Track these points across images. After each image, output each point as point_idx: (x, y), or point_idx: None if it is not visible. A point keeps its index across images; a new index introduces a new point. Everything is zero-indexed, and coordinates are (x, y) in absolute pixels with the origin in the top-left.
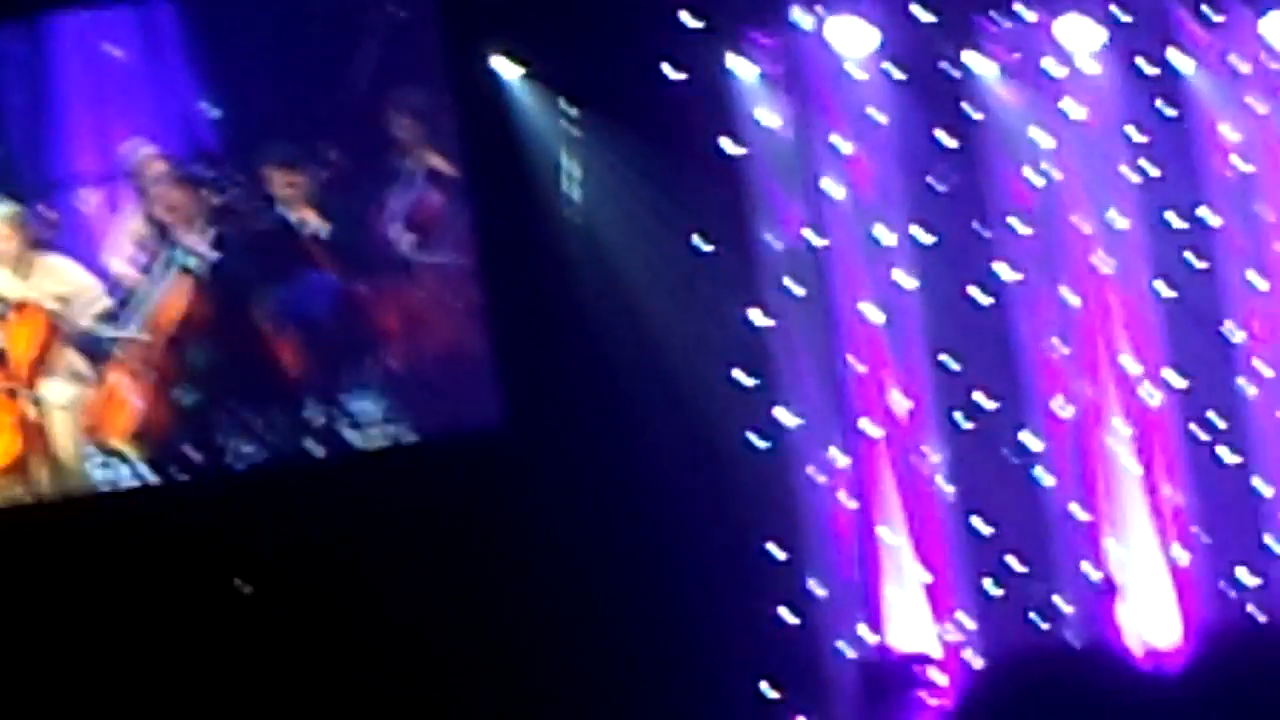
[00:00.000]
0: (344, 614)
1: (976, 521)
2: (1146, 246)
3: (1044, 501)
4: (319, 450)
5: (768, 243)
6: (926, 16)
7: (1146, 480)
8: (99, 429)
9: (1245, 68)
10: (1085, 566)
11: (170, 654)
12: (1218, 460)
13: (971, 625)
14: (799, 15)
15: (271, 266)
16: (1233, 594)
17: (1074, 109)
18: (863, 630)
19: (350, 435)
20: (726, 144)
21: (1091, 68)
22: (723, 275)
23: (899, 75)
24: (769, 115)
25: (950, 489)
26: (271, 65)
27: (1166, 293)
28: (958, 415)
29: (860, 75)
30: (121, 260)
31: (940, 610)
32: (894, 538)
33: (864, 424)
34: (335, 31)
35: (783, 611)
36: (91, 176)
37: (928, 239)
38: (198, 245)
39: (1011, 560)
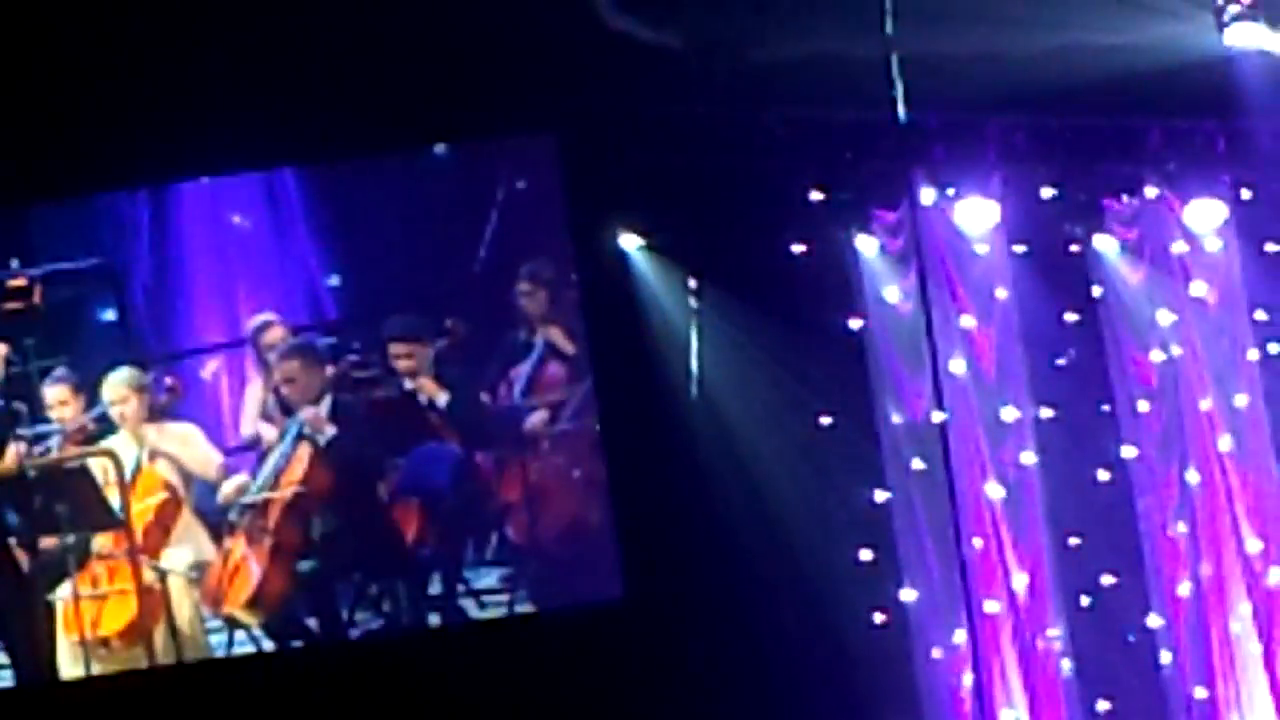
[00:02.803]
0: None
1: (1097, 701)
2: (1268, 425)
3: (1165, 681)
4: (436, 619)
5: (889, 417)
6: (1050, 193)
7: (1267, 660)
8: (217, 595)
9: None
10: None
11: None
12: None
13: None
14: (923, 192)
15: (392, 437)
16: None
17: (1197, 287)
18: None
19: (469, 606)
20: (848, 318)
21: (1214, 246)
22: (844, 450)
23: (1021, 251)
24: (892, 291)
25: (1070, 665)
26: (394, 235)
27: None
28: (1078, 592)
29: (983, 250)
30: (242, 428)
31: None
32: (1014, 716)
33: (985, 602)
34: (459, 203)
35: None
36: (214, 344)
37: (1049, 414)
38: (316, 414)
39: None
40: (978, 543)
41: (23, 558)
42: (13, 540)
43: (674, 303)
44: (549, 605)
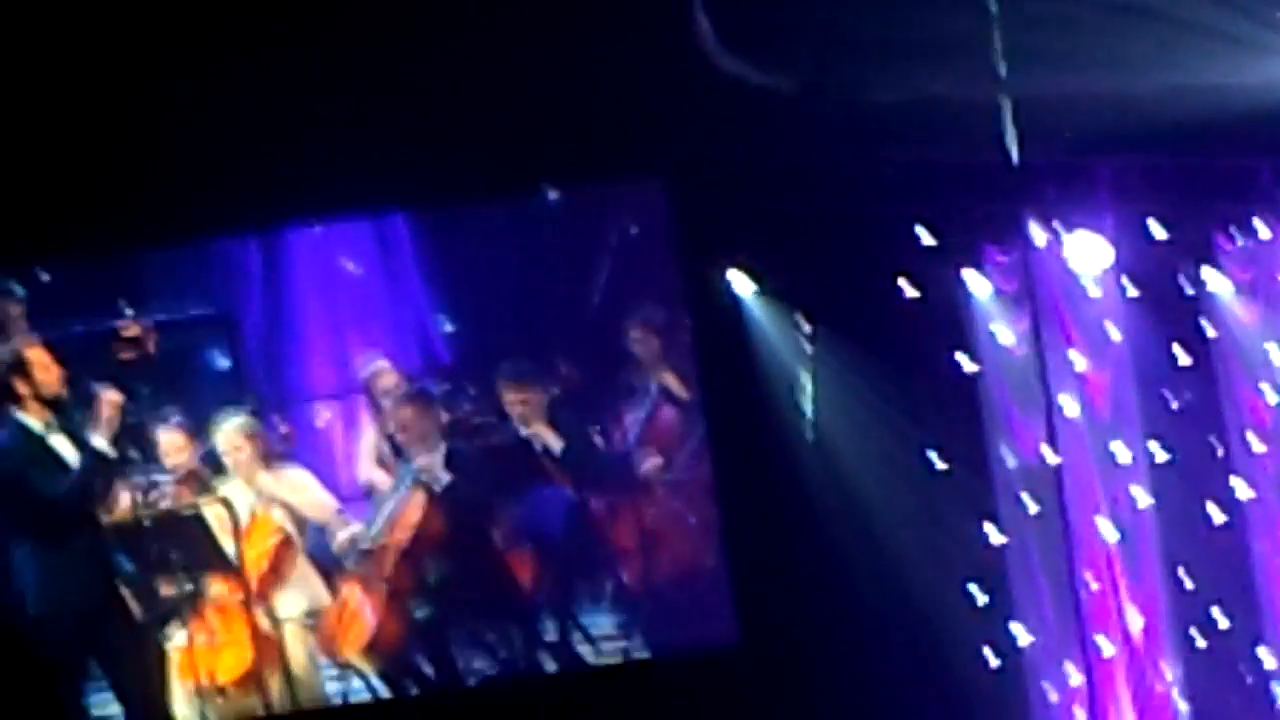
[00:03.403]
0: None
1: None
2: None
3: None
4: (552, 665)
5: (1003, 459)
6: (1162, 233)
7: None
8: (333, 642)
9: None
10: None
11: None
12: None
13: None
14: (1035, 231)
15: (506, 482)
16: None
17: None
18: None
19: (584, 651)
20: (962, 360)
21: None
22: (958, 491)
23: (1134, 291)
24: (1004, 331)
25: (1186, 706)
26: (506, 281)
27: None
28: (1193, 632)
29: (1096, 291)
30: (356, 474)
31: None
32: None
33: (1099, 641)
34: (570, 248)
35: None
36: (326, 390)
37: (1163, 456)
38: (431, 461)
39: None
40: (1093, 583)
41: (137, 604)
42: (127, 587)
43: (786, 346)
44: (664, 650)
